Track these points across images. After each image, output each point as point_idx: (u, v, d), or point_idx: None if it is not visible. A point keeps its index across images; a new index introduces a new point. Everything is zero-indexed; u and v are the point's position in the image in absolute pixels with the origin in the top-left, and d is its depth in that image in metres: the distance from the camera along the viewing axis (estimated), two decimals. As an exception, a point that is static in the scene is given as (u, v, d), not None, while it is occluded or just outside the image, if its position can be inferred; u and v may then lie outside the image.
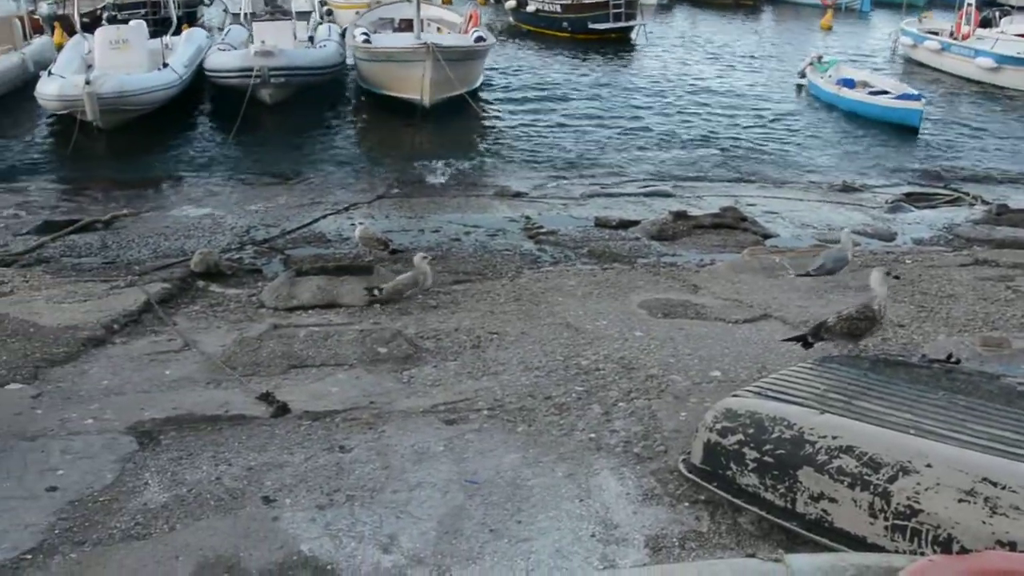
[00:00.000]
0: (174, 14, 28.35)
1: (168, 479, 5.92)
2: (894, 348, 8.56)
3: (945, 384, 5.87)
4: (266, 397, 7.18)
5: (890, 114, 23.80)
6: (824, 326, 7.62)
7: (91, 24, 28.22)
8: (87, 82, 20.88)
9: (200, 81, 25.65)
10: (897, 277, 8.86)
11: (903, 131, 23.28)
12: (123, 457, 6.21)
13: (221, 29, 36.28)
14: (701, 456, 5.58)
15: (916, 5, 46.75)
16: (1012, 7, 37.14)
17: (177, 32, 27.64)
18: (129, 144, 21.14)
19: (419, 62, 22.60)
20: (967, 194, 18.36)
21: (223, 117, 23.30)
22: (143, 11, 31.26)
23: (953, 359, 6.62)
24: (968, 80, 30.41)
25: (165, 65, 23.60)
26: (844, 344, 7.60)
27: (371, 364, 8.06)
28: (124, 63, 22.65)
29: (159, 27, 27.76)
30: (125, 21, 31.06)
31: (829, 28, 42.27)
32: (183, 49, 25.58)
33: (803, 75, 28.49)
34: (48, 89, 21.77)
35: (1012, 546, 4.36)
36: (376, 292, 10.15)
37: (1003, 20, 33.89)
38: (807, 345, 7.65)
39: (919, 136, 23.21)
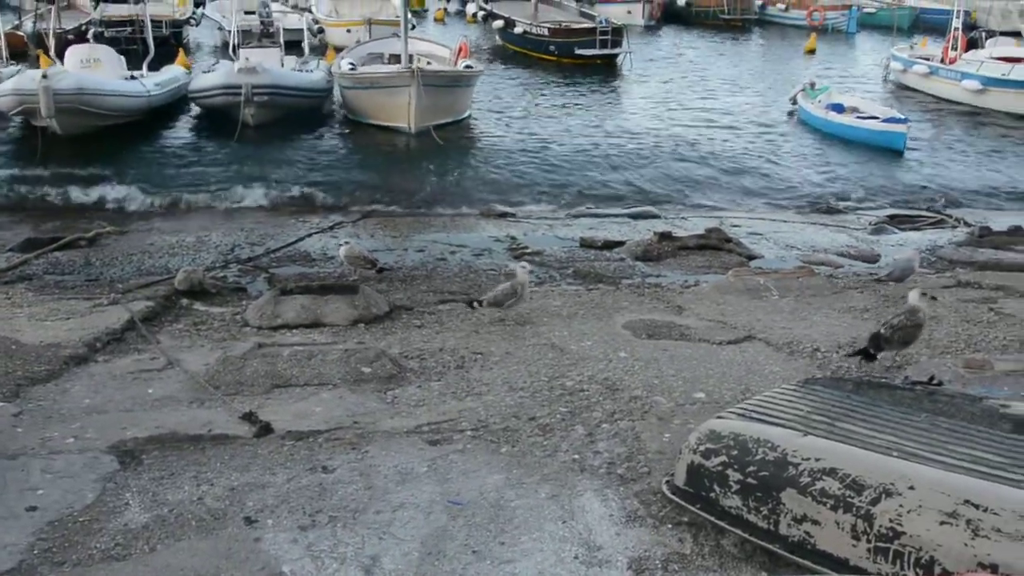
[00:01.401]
0: (151, 42, 27.81)
1: (149, 499, 5.89)
2: (877, 370, 8.58)
3: (928, 406, 5.89)
4: (249, 417, 7.14)
5: (876, 137, 24.05)
6: (881, 337, 8.28)
7: (75, 41, 28.05)
8: (44, 76, 20.52)
9: (181, 108, 25.46)
10: (934, 298, 9.55)
11: (889, 154, 23.47)
12: (104, 476, 6.17)
13: (216, 47, 36.18)
14: (684, 478, 5.57)
15: (902, 28, 47.16)
16: (998, 32, 37.64)
17: (155, 65, 27.12)
18: (104, 159, 20.88)
19: (404, 88, 22.40)
20: (950, 216, 18.47)
21: (207, 139, 23.21)
22: (129, 29, 31.14)
23: (935, 381, 6.64)
24: (956, 103, 30.72)
25: (132, 77, 23.29)
26: (898, 350, 8.44)
27: (355, 384, 8.04)
28: None
29: (144, 46, 27.48)
30: (112, 38, 31.00)
31: (813, 51, 42.47)
32: (159, 74, 25.28)
33: (795, 101, 28.68)
34: (4, 86, 21.44)
35: (994, 569, 4.37)
36: (475, 304, 10.37)
37: (988, 42, 34.35)
38: (871, 358, 8.34)
39: (905, 159, 23.39)
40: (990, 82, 29.58)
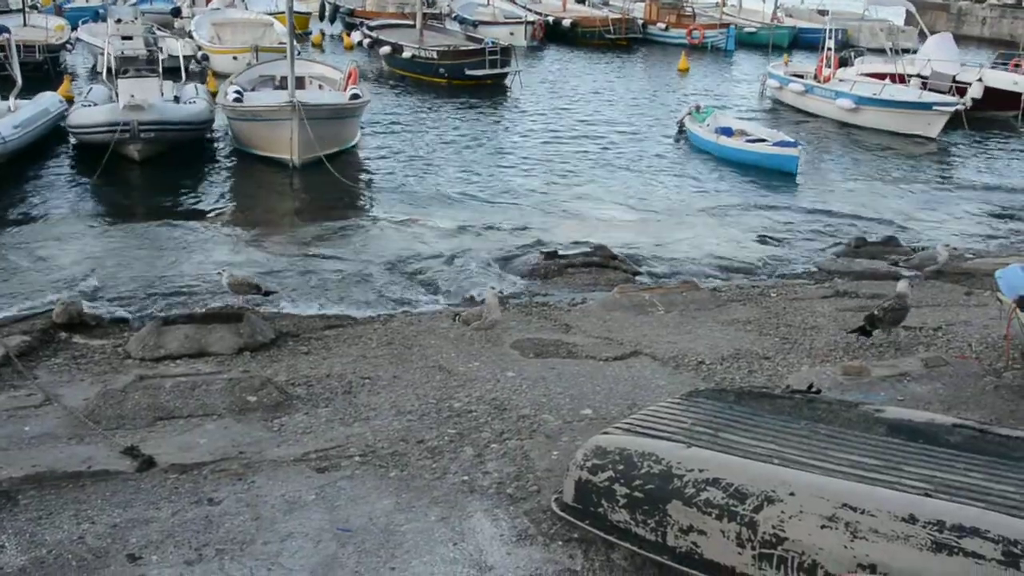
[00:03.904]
0: (18, 74, 26.51)
1: (26, 540, 5.71)
2: (760, 380, 8.77)
3: (807, 414, 6.04)
4: (131, 451, 6.97)
5: (768, 161, 24.37)
6: (875, 317, 9.79)
7: None
8: None
9: (53, 143, 24.48)
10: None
11: (781, 176, 23.85)
12: (-23, 519, 5.96)
13: (94, 70, 34.97)
14: (573, 494, 5.61)
15: (780, 45, 48.30)
16: (865, 49, 38.90)
17: (31, 92, 25.97)
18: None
19: (286, 121, 22.17)
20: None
21: (83, 173, 22.43)
22: (0, 54, 29.95)
23: (814, 389, 6.80)
24: (830, 120, 31.60)
25: None
26: (888, 329, 9.85)
27: (240, 413, 7.92)
28: None
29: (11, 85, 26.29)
30: None
31: (686, 70, 43.16)
32: (22, 111, 24.12)
33: (682, 125, 28.91)
34: None
35: (872, 569, 4.50)
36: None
37: (856, 60, 35.49)
38: (867, 334, 9.87)
39: (797, 180, 23.80)
40: (863, 101, 30.55)
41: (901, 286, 9.93)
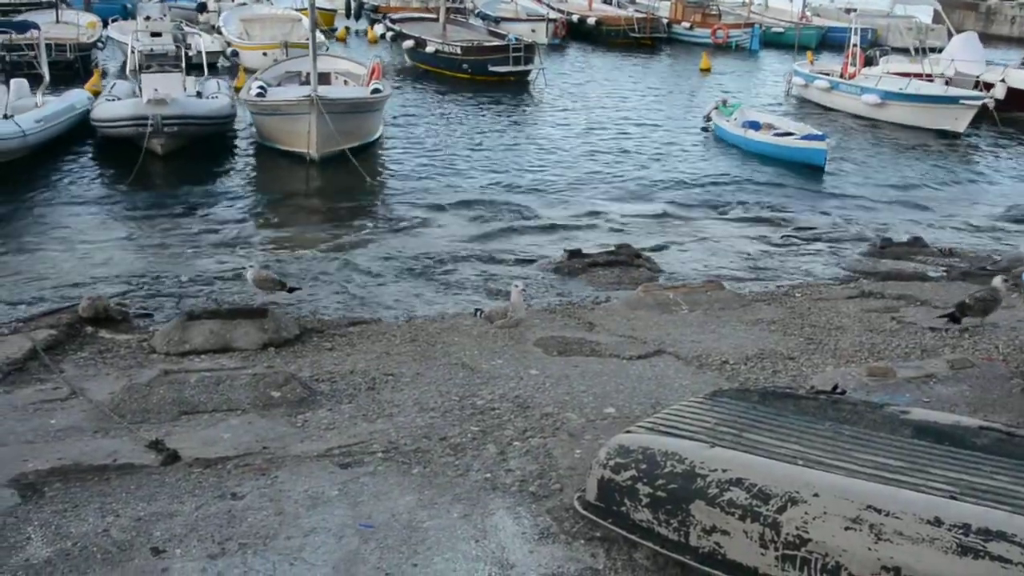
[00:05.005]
0: (46, 70, 26.78)
1: (52, 533, 5.74)
2: (784, 380, 8.74)
3: (831, 415, 6.00)
4: (156, 445, 7.00)
5: (796, 154, 24.24)
6: (965, 305, 10.24)
7: None
8: None
9: (81, 139, 24.62)
10: (1016, 285, 11.86)
11: (810, 170, 23.75)
12: (4, 511, 5.98)
13: (124, 67, 35.14)
14: (595, 493, 5.60)
15: (808, 46, 47.94)
16: (890, 48, 38.76)
17: (63, 88, 26.16)
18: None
19: (304, 115, 22.27)
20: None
21: (108, 168, 22.58)
22: (33, 53, 30.16)
23: (839, 390, 6.77)
24: (855, 116, 31.52)
25: (7, 116, 22.24)
26: (979, 318, 10.28)
27: (264, 408, 7.94)
28: None
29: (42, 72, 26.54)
30: (15, 63, 30.03)
31: (708, 70, 43.00)
32: (47, 106, 24.16)
33: (709, 119, 28.88)
34: None
35: (896, 571, 4.46)
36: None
37: (882, 59, 35.40)
38: (956, 321, 10.27)
39: (826, 174, 23.69)
40: (888, 96, 30.46)
41: (996, 281, 10.59)
